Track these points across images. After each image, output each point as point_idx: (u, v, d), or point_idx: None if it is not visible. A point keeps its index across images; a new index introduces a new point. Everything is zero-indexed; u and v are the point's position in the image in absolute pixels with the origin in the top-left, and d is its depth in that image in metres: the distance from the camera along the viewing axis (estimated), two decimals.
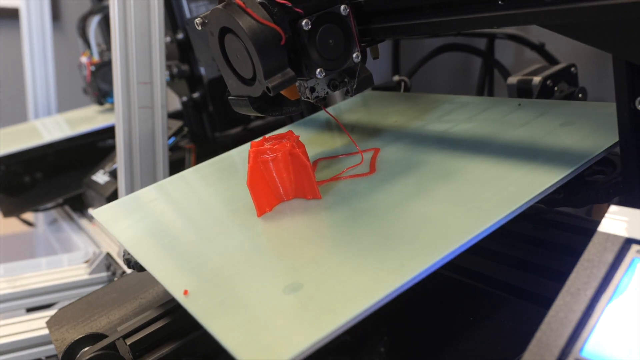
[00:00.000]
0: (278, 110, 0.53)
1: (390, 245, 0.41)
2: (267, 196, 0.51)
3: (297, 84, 0.54)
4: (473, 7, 0.45)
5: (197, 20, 0.51)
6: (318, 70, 0.49)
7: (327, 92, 0.54)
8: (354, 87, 0.53)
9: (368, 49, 0.56)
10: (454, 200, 0.45)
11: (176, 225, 0.53)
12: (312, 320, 0.35)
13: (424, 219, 0.44)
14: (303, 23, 0.47)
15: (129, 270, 0.87)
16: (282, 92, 0.51)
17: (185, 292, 0.41)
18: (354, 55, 0.51)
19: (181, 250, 0.49)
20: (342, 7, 0.49)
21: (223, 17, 0.47)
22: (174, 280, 0.44)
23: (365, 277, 0.38)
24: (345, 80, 0.53)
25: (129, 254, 0.56)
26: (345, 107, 0.79)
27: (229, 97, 0.54)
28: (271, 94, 0.47)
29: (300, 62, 0.49)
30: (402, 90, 0.83)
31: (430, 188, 0.48)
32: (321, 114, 0.77)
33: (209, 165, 0.67)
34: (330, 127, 0.72)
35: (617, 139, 0.45)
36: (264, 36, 0.46)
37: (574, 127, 0.52)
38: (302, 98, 0.54)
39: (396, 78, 0.84)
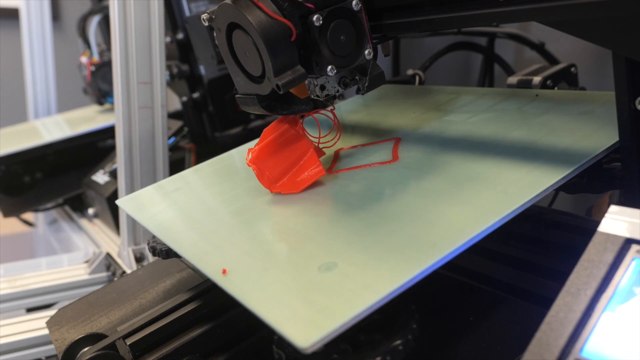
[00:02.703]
0: (287, 109, 0.51)
1: (420, 227, 0.42)
2: (274, 175, 0.52)
3: (306, 81, 0.52)
4: (474, 4, 0.45)
5: (204, 16, 0.50)
6: (329, 67, 0.47)
7: (338, 90, 0.52)
8: (366, 85, 0.51)
9: (379, 46, 0.54)
10: (491, 179, 0.46)
11: (203, 213, 0.54)
12: (351, 296, 0.35)
13: (455, 202, 0.44)
14: (314, 18, 0.45)
15: (129, 270, 0.87)
16: (291, 90, 0.49)
17: (224, 272, 0.42)
18: (366, 52, 0.49)
19: (211, 235, 0.49)
20: (354, 2, 0.47)
21: (231, 12, 0.46)
22: (209, 262, 0.44)
23: (398, 256, 0.39)
24: (357, 77, 0.52)
25: (154, 241, 0.56)
26: (358, 102, 0.78)
27: (236, 96, 0.52)
28: (281, 92, 0.46)
29: (310, 58, 0.47)
30: (416, 83, 0.83)
31: (452, 176, 0.48)
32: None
33: (210, 165, 0.67)
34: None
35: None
36: (274, 31, 0.44)
37: (592, 116, 0.52)
38: (312, 96, 0.53)
39: (410, 72, 0.84)
